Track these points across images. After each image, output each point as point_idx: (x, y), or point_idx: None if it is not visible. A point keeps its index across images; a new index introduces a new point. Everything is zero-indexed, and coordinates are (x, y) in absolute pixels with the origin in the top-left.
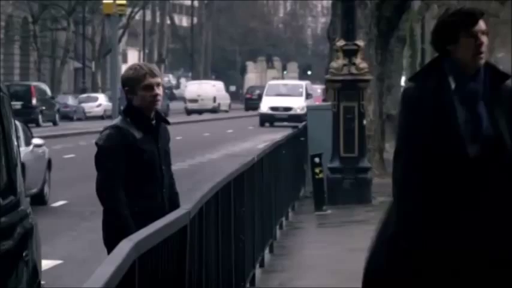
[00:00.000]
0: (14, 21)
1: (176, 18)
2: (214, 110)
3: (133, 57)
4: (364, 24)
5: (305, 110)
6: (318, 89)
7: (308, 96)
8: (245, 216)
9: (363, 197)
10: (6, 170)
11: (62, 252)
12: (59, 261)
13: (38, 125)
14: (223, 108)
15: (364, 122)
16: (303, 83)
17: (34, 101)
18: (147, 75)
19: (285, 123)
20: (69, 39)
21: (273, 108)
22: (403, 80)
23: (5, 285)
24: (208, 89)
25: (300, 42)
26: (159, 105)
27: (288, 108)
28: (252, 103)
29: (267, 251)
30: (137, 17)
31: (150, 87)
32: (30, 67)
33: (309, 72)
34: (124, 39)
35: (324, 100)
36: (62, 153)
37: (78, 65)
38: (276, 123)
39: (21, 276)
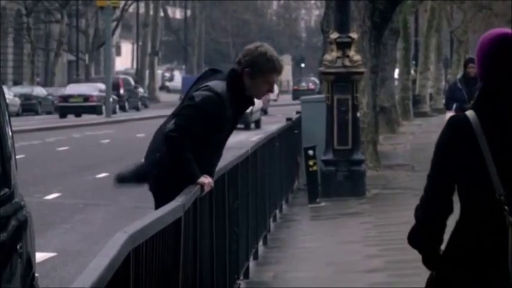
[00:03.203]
0: (8, 14)
1: (170, 10)
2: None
3: (126, 49)
4: (357, 16)
5: (255, 109)
6: None
7: None
8: (239, 208)
9: (356, 189)
10: (0, 162)
11: (55, 244)
12: (52, 254)
13: (124, 110)
14: (272, 97)
15: (358, 114)
16: None
17: (122, 91)
18: (277, 74)
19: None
20: (62, 32)
21: None
22: (396, 73)
23: None
24: None
25: (293, 35)
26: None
27: None
28: (298, 93)
29: (260, 243)
30: (131, 9)
31: (271, 85)
32: (24, 59)
33: (303, 65)
34: (117, 31)
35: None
36: (55, 146)
37: (72, 57)
38: None
39: (16, 269)
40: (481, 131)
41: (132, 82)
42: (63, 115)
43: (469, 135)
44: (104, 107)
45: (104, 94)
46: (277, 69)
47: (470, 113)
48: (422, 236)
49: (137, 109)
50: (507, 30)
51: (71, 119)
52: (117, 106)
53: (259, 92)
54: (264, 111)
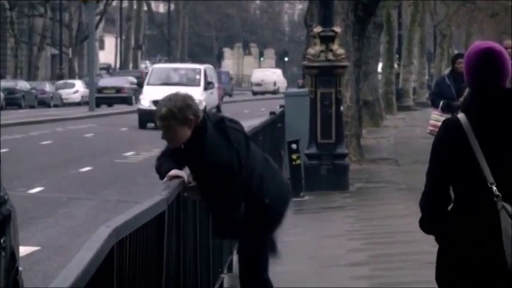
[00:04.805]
0: None
1: (153, 4)
2: (274, 92)
3: (110, 43)
4: (341, 10)
5: (203, 104)
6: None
7: (208, 85)
8: None
9: (340, 183)
10: None
11: (39, 238)
12: (36, 248)
13: None
14: (281, 90)
15: (341, 108)
16: (201, 67)
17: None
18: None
19: None
20: (46, 26)
21: (157, 103)
22: (379, 66)
23: None
24: (269, 75)
25: (276, 29)
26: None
27: None
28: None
29: None
30: (114, 3)
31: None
32: (7, 53)
33: (286, 59)
34: (101, 25)
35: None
36: (39, 140)
37: (55, 51)
38: None
39: None
40: (471, 130)
41: None
42: (97, 105)
43: (460, 133)
44: (133, 98)
45: (134, 86)
46: (156, 115)
47: (461, 116)
48: (430, 223)
49: None
50: (491, 43)
51: (53, 113)
52: None
53: None
54: (217, 108)
